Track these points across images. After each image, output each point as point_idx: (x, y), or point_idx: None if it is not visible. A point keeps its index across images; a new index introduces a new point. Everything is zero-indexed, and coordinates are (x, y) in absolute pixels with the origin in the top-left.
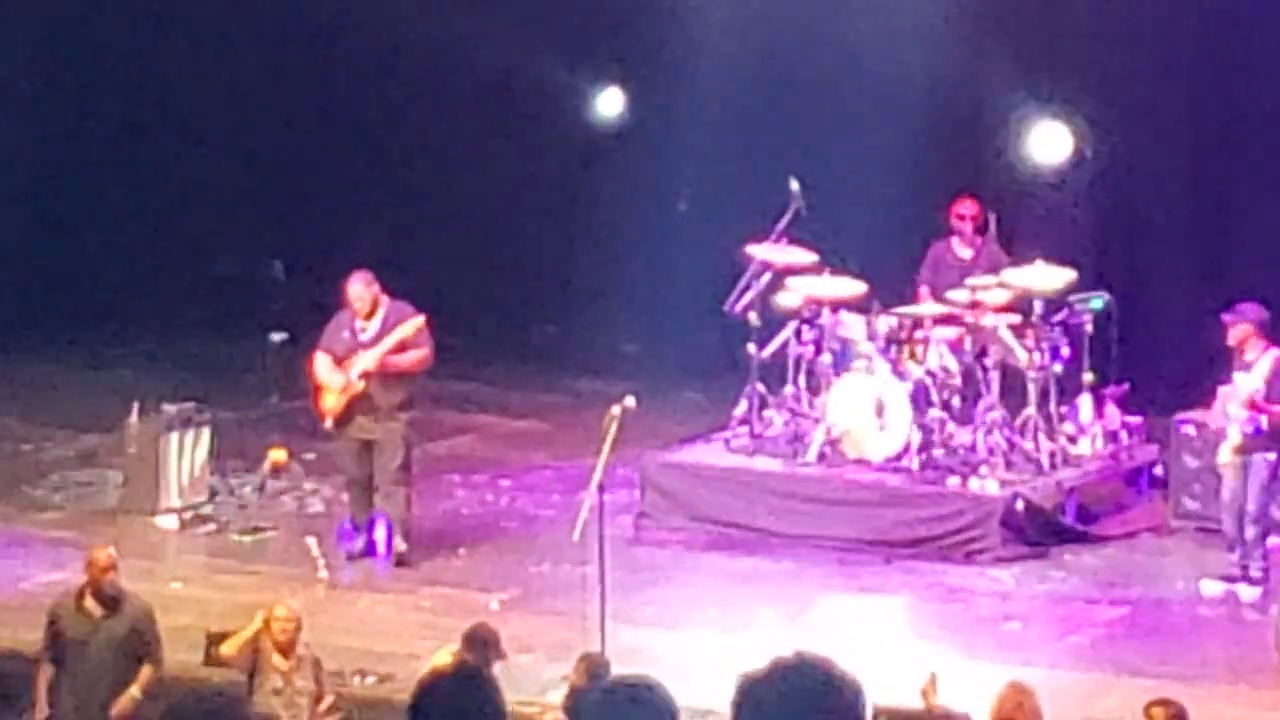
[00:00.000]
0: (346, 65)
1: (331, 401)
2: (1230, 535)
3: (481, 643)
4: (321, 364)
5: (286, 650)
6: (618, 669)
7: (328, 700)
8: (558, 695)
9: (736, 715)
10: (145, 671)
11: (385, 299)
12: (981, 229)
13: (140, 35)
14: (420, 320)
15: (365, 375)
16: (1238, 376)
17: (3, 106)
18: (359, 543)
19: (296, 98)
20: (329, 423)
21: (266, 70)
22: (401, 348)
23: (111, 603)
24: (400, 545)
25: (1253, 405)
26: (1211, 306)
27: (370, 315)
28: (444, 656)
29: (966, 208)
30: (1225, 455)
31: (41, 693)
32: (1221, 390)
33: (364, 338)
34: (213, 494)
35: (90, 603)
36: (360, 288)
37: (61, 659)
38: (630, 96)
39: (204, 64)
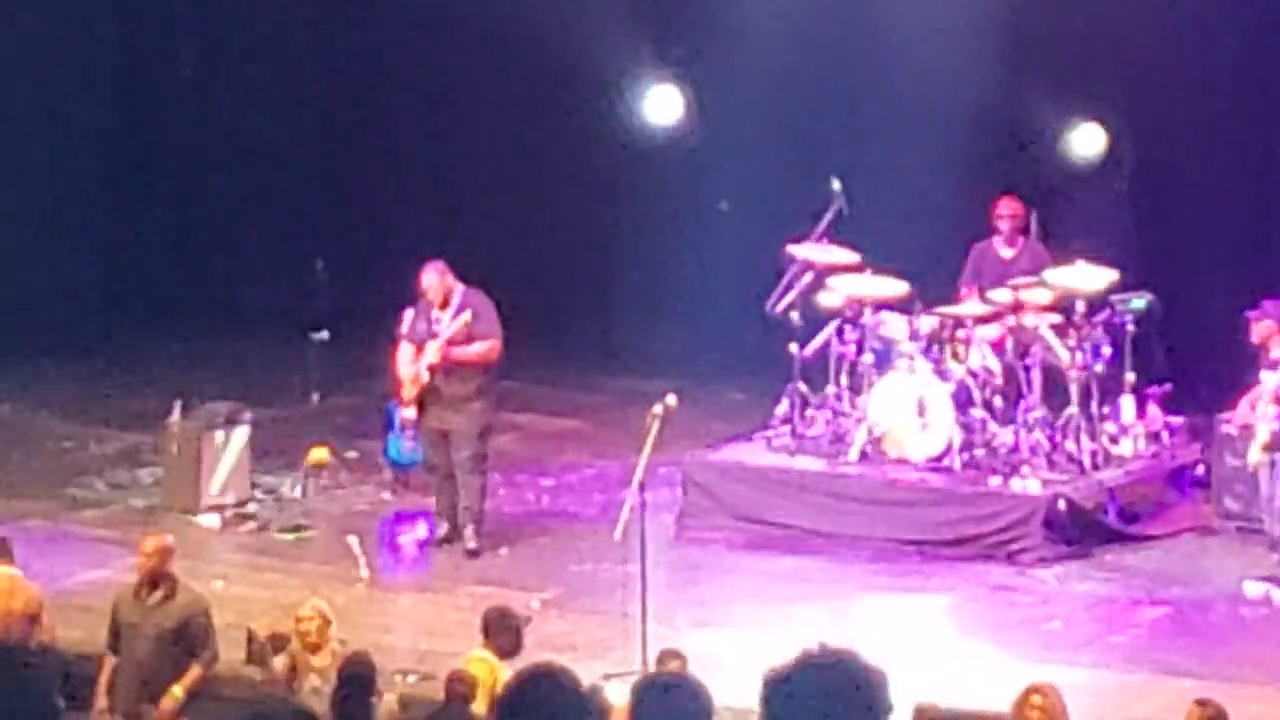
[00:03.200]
0: (394, 62)
1: (406, 393)
2: (1272, 535)
3: (505, 626)
4: (403, 355)
5: (316, 649)
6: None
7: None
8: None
9: (765, 710)
10: (192, 671)
11: (460, 288)
12: (1024, 229)
13: (187, 33)
14: (467, 315)
15: (431, 369)
16: (1264, 374)
17: (50, 114)
18: (419, 529)
19: (343, 94)
20: (411, 412)
21: (313, 64)
22: (469, 338)
23: (161, 591)
24: (470, 539)
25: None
26: (1253, 306)
27: (444, 305)
28: (479, 654)
29: (1008, 207)
30: (1255, 455)
31: (102, 684)
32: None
33: (438, 328)
34: (254, 492)
35: (144, 590)
36: (433, 277)
37: (118, 647)
38: (678, 95)
39: (250, 61)
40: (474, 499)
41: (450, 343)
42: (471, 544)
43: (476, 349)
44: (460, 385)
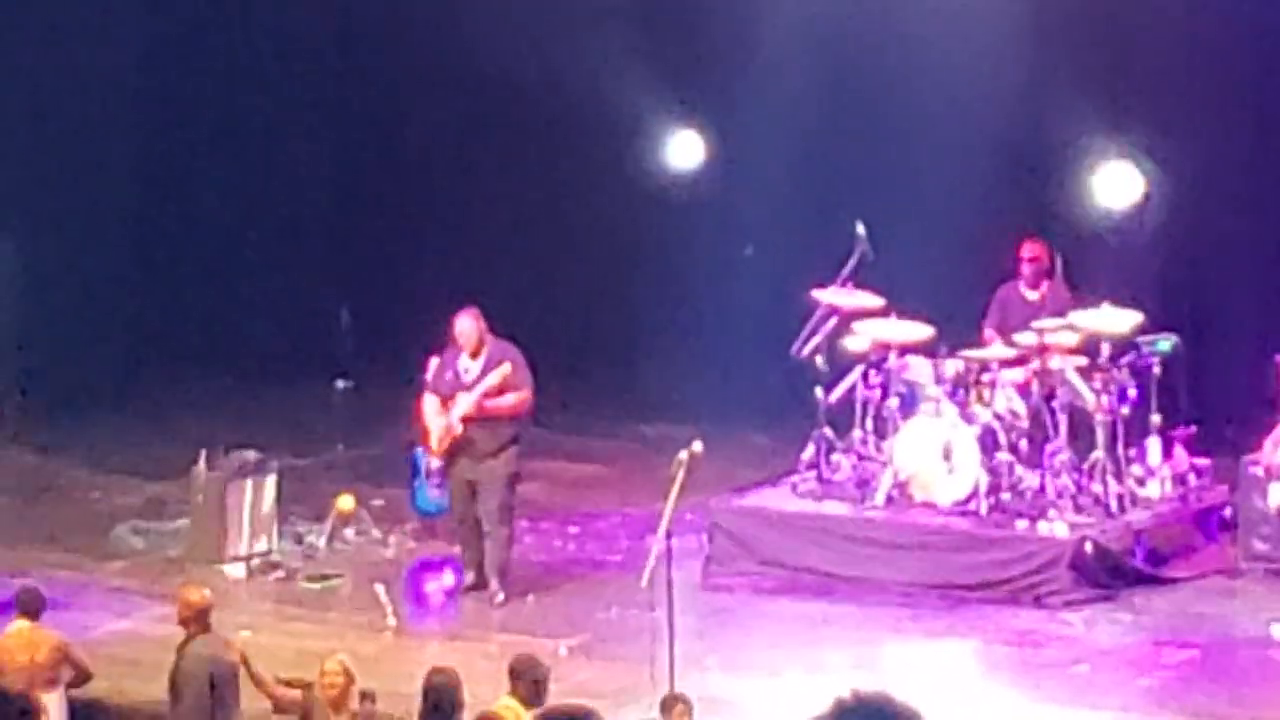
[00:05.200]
0: (416, 110)
1: (437, 445)
2: None
3: (530, 674)
4: (430, 405)
5: (337, 705)
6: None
7: None
8: None
9: None
10: None
11: (490, 338)
12: (1048, 271)
13: (211, 81)
14: (507, 367)
15: (465, 420)
16: None
17: (76, 166)
18: (446, 577)
19: (367, 143)
20: (437, 463)
21: (337, 113)
22: (501, 390)
23: (188, 642)
24: (497, 594)
25: None
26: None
27: (476, 354)
28: (506, 701)
29: (1032, 250)
30: (1276, 497)
31: None
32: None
33: (467, 379)
34: (280, 541)
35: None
36: (468, 323)
37: None
38: (700, 140)
39: (273, 108)
40: (501, 551)
41: (486, 395)
42: (499, 598)
43: (510, 400)
44: (491, 438)
